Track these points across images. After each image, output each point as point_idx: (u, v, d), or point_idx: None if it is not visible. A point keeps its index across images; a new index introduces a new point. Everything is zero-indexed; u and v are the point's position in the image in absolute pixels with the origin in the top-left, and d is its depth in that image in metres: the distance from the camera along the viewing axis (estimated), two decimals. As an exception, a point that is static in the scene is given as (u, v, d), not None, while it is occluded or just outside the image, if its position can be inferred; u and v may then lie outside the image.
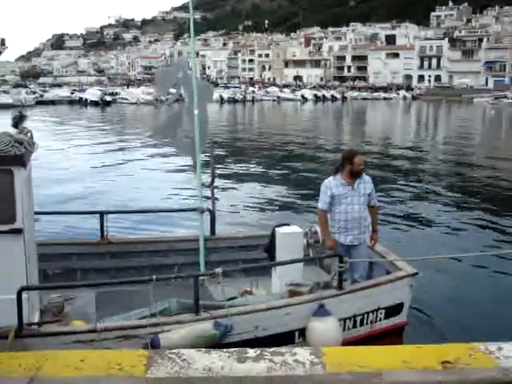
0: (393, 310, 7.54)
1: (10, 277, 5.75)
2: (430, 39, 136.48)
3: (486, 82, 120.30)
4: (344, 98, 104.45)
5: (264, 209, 16.21)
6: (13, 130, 6.07)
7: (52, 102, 75.27)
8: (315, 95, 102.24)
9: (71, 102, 77.08)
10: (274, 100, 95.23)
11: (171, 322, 6.10)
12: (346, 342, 6.64)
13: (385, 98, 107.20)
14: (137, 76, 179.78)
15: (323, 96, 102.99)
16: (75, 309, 6.99)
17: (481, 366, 3.93)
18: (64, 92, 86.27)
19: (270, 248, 8.17)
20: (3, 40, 8.35)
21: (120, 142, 34.11)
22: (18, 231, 5.80)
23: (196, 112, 8.08)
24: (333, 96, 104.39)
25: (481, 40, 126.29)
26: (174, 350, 4.47)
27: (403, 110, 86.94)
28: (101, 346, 5.67)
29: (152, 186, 19.42)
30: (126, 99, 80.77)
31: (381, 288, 7.34)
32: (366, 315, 7.30)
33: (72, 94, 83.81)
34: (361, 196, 7.32)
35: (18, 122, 6.29)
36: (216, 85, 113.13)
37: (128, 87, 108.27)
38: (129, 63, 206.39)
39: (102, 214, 8.55)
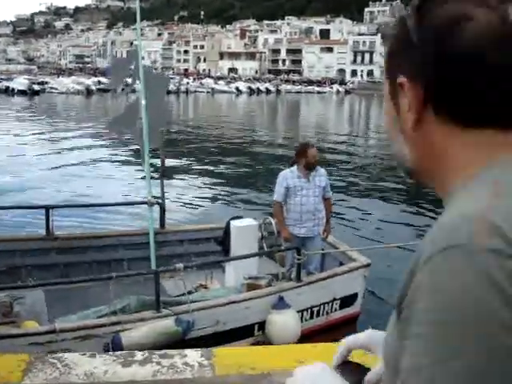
0: (347, 301, 7.73)
1: None
2: (363, 34, 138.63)
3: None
4: (278, 91, 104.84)
5: (212, 201, 16.06)
6: None
7: (-25, 92, 72.18)
8: (249, 88, 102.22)
9: (-3, 91, 74.29)
10: (208, 92, 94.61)
11: (132, 320, 5.94)
12: (304, 334, 6.79)
13: (318, 92, 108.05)
14: (68, 65, 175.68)
15: (257, 89, 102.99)
16: (25, 308, 6.65)
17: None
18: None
19: (225, 240, 8.15)
20: None
21: (54, 132, 32.71)
22: None
23: (144, 102, 7.79)
24: (267, 89, 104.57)
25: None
26: (56, 355, 4.17)
27: (337, 103, 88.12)
28: (59, 348, 5.44)
29: (97, 179, 18.77)
30: (56, 89, 78.41)
31: (337, 279, 7.45)
32: (322, 306, 7.45)
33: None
34: (316, 188, 7.34)
35: None
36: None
37: (58, 76, 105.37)
38: (60, 52, 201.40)
39: (47, 208, 8.23)
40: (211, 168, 22.30)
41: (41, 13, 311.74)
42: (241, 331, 6.61)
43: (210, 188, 18.03)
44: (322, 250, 7.87)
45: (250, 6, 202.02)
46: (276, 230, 7.97)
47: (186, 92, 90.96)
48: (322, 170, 7.54)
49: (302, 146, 7.54)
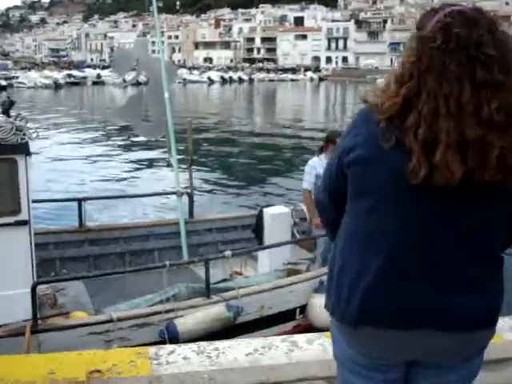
0: None
1: (18, 270, 5.62)
2: (337, 21, 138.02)
3: (391, 63, 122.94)
4: (251, 80, 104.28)
5: (236, 191, 16.50)
6: (1, 117, 5.62)
7: None
8: (222, 77, 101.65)
9: (-38, 88, 73.07)
10: (180, 82, 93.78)
11: (184, 307, 6.06)
12: None
13: (292, 80, 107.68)
14: (44, 59, 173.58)
15: (230, 78, 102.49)
16: (69, 300, 6.84)
17: (132, 374, 3.51)
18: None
19: (258, 228, 8.33)
20: None
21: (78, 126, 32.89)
22: (24, 223, 5.65)
23: (166, 95, 8.03)
24: (240, 78, 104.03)
25: (385, 21, 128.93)
26: None
27: (310, 91, 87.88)
28: (116, 337, 5.69)
29: (126, 170, 19.36)
30: (23, 83, 77.52)
31: None
32: None
33: (-36, 78, 79.62)
34: None
35: (7, 108, 5.72)
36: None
37: (30, 70, 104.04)
38: (35, 46, 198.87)
39: (79, 200, 8.38)
40: (220, 159, 22.77)
41: (16, 7, 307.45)
42: (283, 315, 6.81)
43: (228, 179, 18.57)
44: None
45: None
46: (308, 216, 8.10)
47: (137, 82, 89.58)
48: None
49: (332, 134, 7.53)
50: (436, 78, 1.73)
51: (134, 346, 4.35)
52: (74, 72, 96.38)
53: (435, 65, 1.73)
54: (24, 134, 5.54)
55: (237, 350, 3.78)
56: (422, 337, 1.85)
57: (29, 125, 5.77)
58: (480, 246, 1.87)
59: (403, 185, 1.77)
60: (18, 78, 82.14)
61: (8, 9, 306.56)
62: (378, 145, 1.79)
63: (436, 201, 1.80)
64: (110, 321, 5.73)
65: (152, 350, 3.78)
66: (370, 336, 1.90)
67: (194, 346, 3.85)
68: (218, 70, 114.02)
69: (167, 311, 5.97)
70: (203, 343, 3.90)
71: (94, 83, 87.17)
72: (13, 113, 5.79)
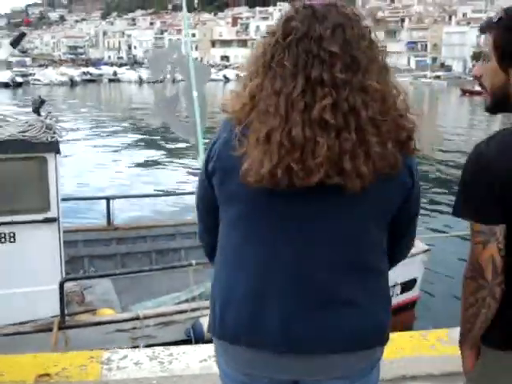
0: (407, 286, 8.01)
1: (46, 267, 5.72)
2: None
3: (409, 62, 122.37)
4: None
5: None
6: (33, 116, 5.76)
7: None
8: (237, 75, 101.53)
9: (-20, 85, 73.63)
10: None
11: (209, 306, 6.06)
12: None
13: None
14: (62, 56, 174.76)
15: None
16: (97, 297, 6.99)
17: (81, 378, 3.49)
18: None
19: None
20: None
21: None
22: (53, 220, 5.75)
23: (195, 94, 8.04)
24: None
25: (403, 20, 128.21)
26: None
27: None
28: (142, 334, 5.79)
29: (155, 170, 19.66)
30: (39, 80, 78.16)
31: (399, 264, 7.71)
32: None
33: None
34: None
35: (38, 106, 5.84)
36: (141, 64, 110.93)
37: (47, 67, 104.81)
38: (54, 43, 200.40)
39: (108, 199, 8.55)
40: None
41: (35, 5, 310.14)
42: None
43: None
44: None
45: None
46: None
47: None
48: None
49: None
50: (273, 74, 1.64)
51: (160, 345, 4.40)
52: (91, 69, 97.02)
53: (274, 60, 1.64)
54: (54, 133, 5.65)
55: (191, 357, 3.74)
56: (287, 357, 1.73)
57: (59, 123, 5.94)
58: (351, 256, 1.73)
59: (259, 192, 1.65)
60: (34, 75, 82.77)
61: (28, 6, 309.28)
62: (230, 153, 1.68)
63: (295, 206, 1.68)
64: (137, 318, 5.84)
65: (105, 354, 3.77)
66: (240, 354, 1.80)
67: (148, 351, 3.82)
68: (234, 69, 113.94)
69: (193, 310, 6.00)
70: (159, 348, 3.86)
71: (110, 81, 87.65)
72: (43, 112, 5.86)
